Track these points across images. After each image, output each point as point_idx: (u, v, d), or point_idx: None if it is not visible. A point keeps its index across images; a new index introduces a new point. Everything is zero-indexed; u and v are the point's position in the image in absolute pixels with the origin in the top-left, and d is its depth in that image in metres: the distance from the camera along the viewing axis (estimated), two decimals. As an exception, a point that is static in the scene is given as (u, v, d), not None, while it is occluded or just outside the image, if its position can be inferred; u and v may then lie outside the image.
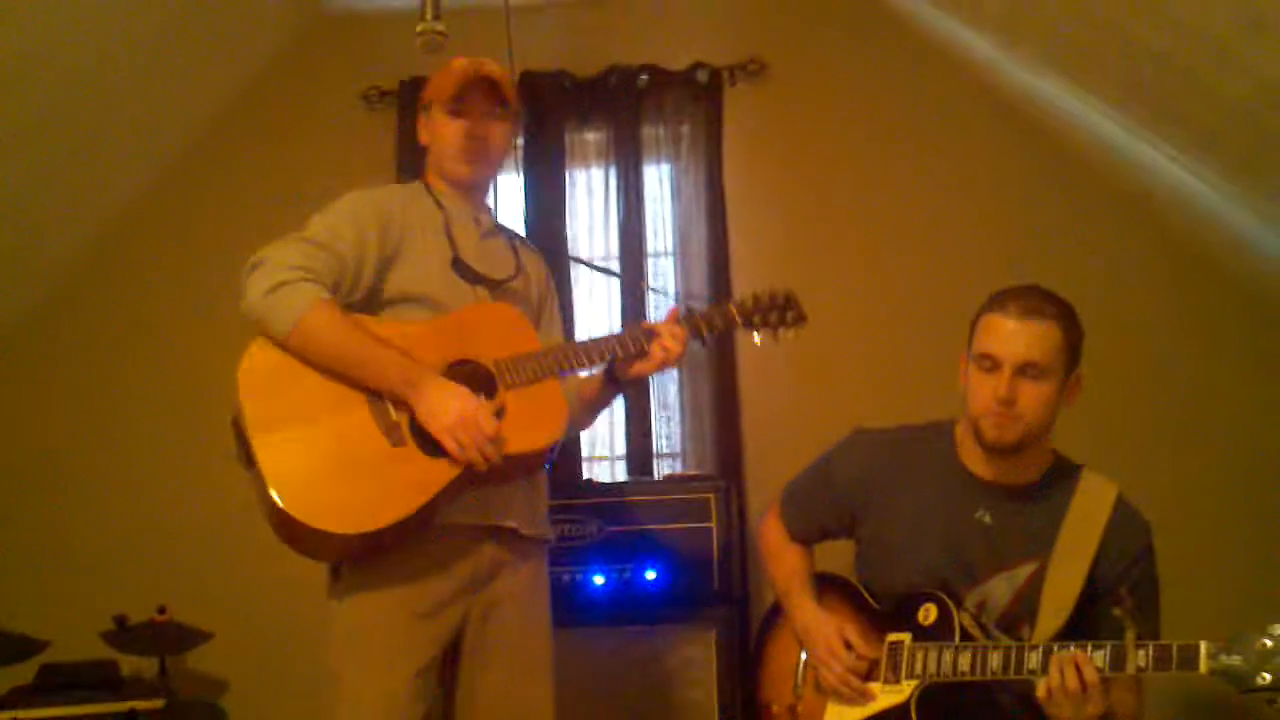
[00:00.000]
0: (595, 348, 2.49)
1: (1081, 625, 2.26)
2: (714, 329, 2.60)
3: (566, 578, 3.35)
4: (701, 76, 4.16)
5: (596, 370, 2.60)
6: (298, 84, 4.27)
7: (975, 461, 2.36)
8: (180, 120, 4.18)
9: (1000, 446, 2.26)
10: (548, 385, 2.40)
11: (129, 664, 3.62)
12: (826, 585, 2.53)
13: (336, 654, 2.33)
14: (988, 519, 2.34)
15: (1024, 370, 2.21)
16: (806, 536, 2.61)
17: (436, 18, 3.25)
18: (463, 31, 3.30)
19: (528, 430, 2.32)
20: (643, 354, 2.50)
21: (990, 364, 2.25)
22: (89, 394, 4.17)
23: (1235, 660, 1.91)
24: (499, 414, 2.29)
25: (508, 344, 2.41)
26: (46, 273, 4.15)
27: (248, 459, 2.18)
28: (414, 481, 2.22)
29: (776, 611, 2.62)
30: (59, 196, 3.88)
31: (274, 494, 2.13)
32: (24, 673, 3.48)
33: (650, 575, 3.34)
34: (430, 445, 2.23)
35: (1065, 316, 2.25)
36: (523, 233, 4.04)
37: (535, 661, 2.48)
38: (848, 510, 2.51)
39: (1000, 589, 2.32)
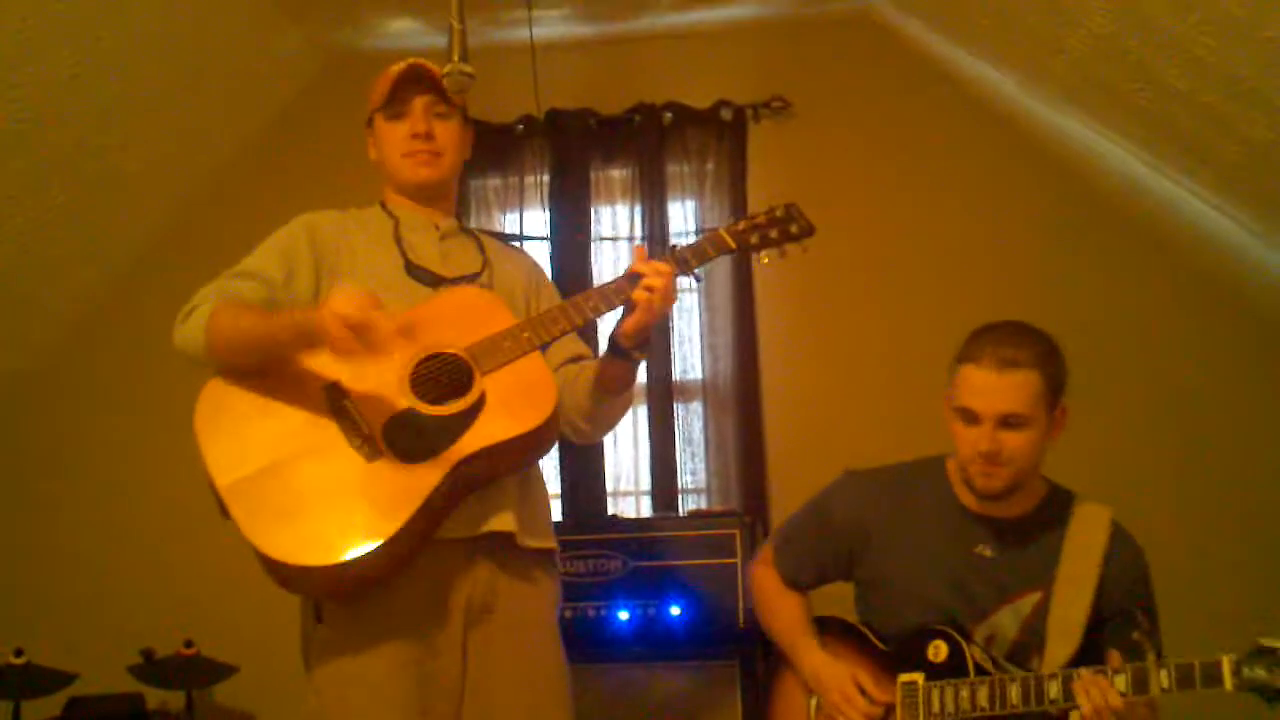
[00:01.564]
0: (575, 308, 2.24)
1: (1091, 652, 2.25)
2: (703, 258, 2.31)
3: (591, 613, 3.36)
4: (725, 114, 4.20)
5: (593, 349, 2.48)
6: (319, 127, 4.29)
7: (970, 497, 2.35)
8: (199, 163, 4.25)
9: (990, 495, 2.28)
10: (530, 361, 2.19)
11: (155, 697, 3.65)
12: (829, 629, 2.48)
13: (324, 698, 2.15)
14: (989, 552, 2.34)
15: (1005, 422, 2.21)
16: (803, 582, 2.55)
17: (464, 59, 3.28)
18: (489, 71, 3.32)
19: (514, 413, 2.13)
20: (629, 303, 2.21)
21: (970, 417, 2.25)
22: (117, 429, 4.22)
23: (1260, 672, 1.91)
24: (478, 403, 2.12)
25: (478, 328, 2.20)
26: (69, 309, 4.21)
27: (223, 510, 2.06)
28: (396, 497, 2.03)
29: (782, 655, 2.56)
30: (79, 237, 3.95)
31: (255, 544, 1.99)
32: (52, 706, 3.51)
33: (675, 611, 3.33)
34: (410, 450, 2.07)
35: (1043, 358, 2.23)
36: (548, 268, 4.09)
37: (549, 695, 2.25)
38: (846, 551, 2.48)
39: (1007, 621, 2.31)
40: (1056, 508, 2.34)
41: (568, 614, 3.30)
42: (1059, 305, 4.01)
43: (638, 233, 4.21)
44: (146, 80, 3.58)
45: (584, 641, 3.33)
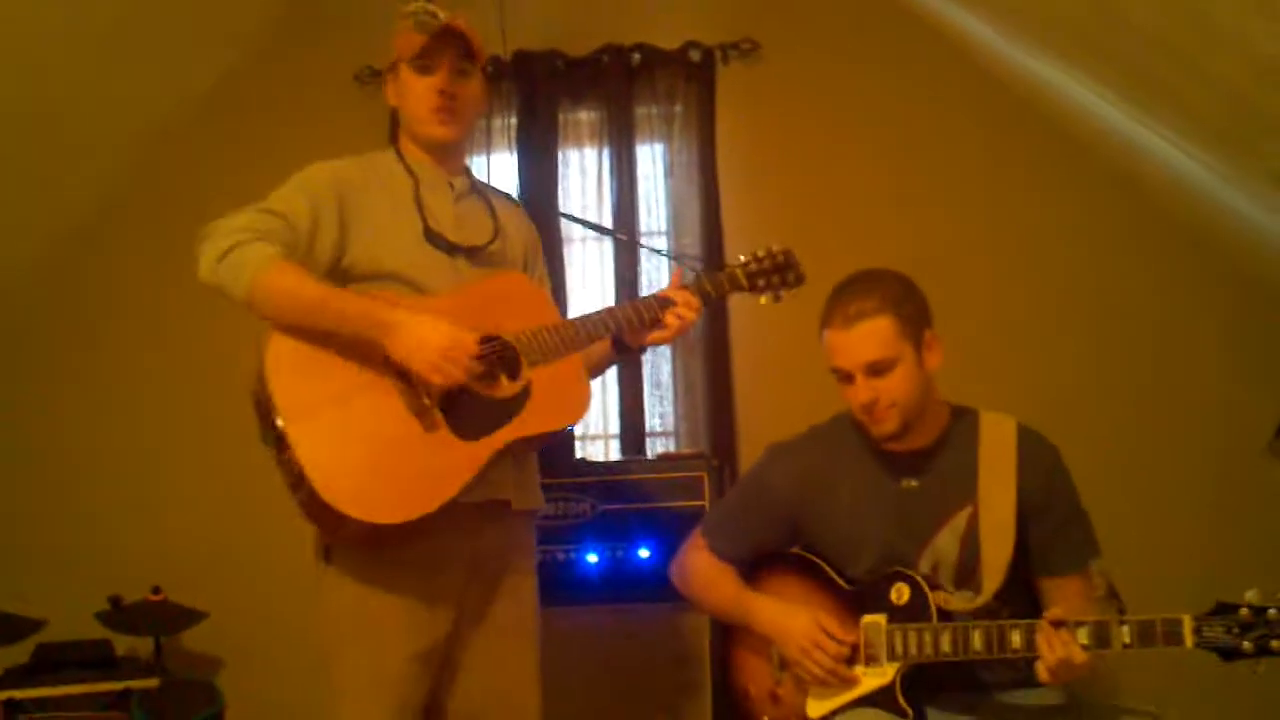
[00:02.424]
0: (612, 317, 2.47)
1: (1025, 553, 2.33)
2: (722, 294, 2.62)
3: (560, 556, 3.37)
4: (694, 55, 4.16)
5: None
6: (289, 65, 4.25)
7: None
8: (172, 100, 4.17)
9: (888, 438, 2.35)
10: (572, 362, 2.39)
11: (124, 644, 3.65)
12: (792, 566, 2.50)
13: (331, 635, 2.32)
14: (914, 483, 2.39)
15: (871, 371, 2.29)
16: (741, 558, 2.56)
17: (431, -1, 3.23)
18: (454, 10, 3.28)
19: (555, 411, 2.34)
20: (657, 323, 2.50)
21: (843, 376, 2.34)
22: (84, 376, 4.18)
23: (1218, 632, 1.95)
24: (525, 392, 2.30)
25: (526, 316, 2.39)
26: (35, 254, 4.14)
27: (278, 443, 2.15)
28: (451, 466, 2.21)
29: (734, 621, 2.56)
30: (41, 181, 3.87)
31: (319, 490, 2.11)
32: (19, 653, 3.51)
33: (643, 553, 3.35)
34: (465, 427, 2.23)
35: (888, 301, 2.31)
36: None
37: (527, 640, 2.48)
38: (787, 521, 2.50)
39: (947, 542, 2.35)
40: (963, 425, 2.41)
41: (537, 557, 3.34)
42: (1023, 243, 4.07)
43: (607, 176, 4.18)
44: (117, 15, 3.50)
45: (553, 585, 3.31)
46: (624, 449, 4.02)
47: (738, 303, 4.06)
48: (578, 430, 4.05)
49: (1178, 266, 3.99)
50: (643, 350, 2.60)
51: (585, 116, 4.28)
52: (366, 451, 2.17)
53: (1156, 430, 3.91)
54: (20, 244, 4.04)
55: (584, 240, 4.22)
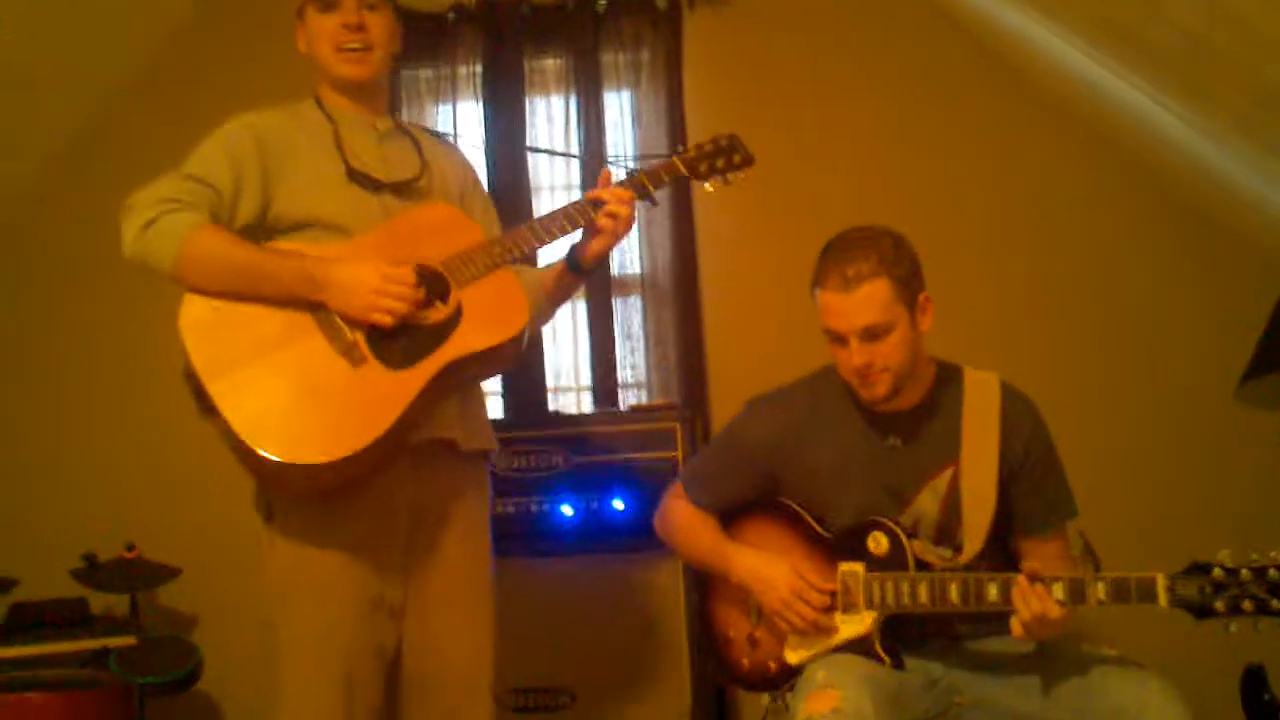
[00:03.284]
0: (541, 227, 2.40)
1: (1006, 513, 2.35)
2: (659, 184, 2.50)
3: (534, 508, 3.39)
4: (660, 2, 4.11)
5: (554, 254, 2.54)
6: (238, 15, 4.17)
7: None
8: (120, 53, 4.08)
9: (878, 401, 2.34)
10: (502, 276, 2.32)
11: (99, 601, 3.64)
12: (770, 512, 2.50)
13: (274, 595, 2.29)
14: (899, 442, 2.39)
15: (867, 334, 2.26)
16: (720, 509, 2.57)
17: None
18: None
19: (490, 325, 2.26)
20: (591, 227, 2.40)
21: (836, 338, 2.31)
22: (50, 333, 4.13)
23: (1191, 591, 1.98)
24: (457, 314, 2.24)
25: (452, 242, 2.32)
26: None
27: (209, 409, 2.12)
28: (383, 398, 2.15)
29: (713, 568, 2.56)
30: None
31: (245, 439, 2.08)
32: (-6, 613, 3.50)
33: (618, 505, 3.37)
34: (394, 356, 2.18)
35: (884, 262, 2.27)
36: (482, 160, 4.04)
37: (481, 588, 2.45)
38: (765, 474, 2.50)
39: (927, 501, 2.37)
40: (949, 384, 2.41)
41: (511, 510, 3.37)
42: (998, 199, 4.07)
43: (574, 124, 4.15)
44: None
45: (528, 537, 3.37)
46: (596, 401, 4.02)
47: (707, 248, 4.08)
48: (549, 382, 4.05)
49: (1146, 210, 4.01)
50: (597, 264, 2.47)
51: (551, 64, 4.23)
52: (293, 396, 2.14)
53: (1124, 375, 3.94)
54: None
55: (552, 190, 4.19)
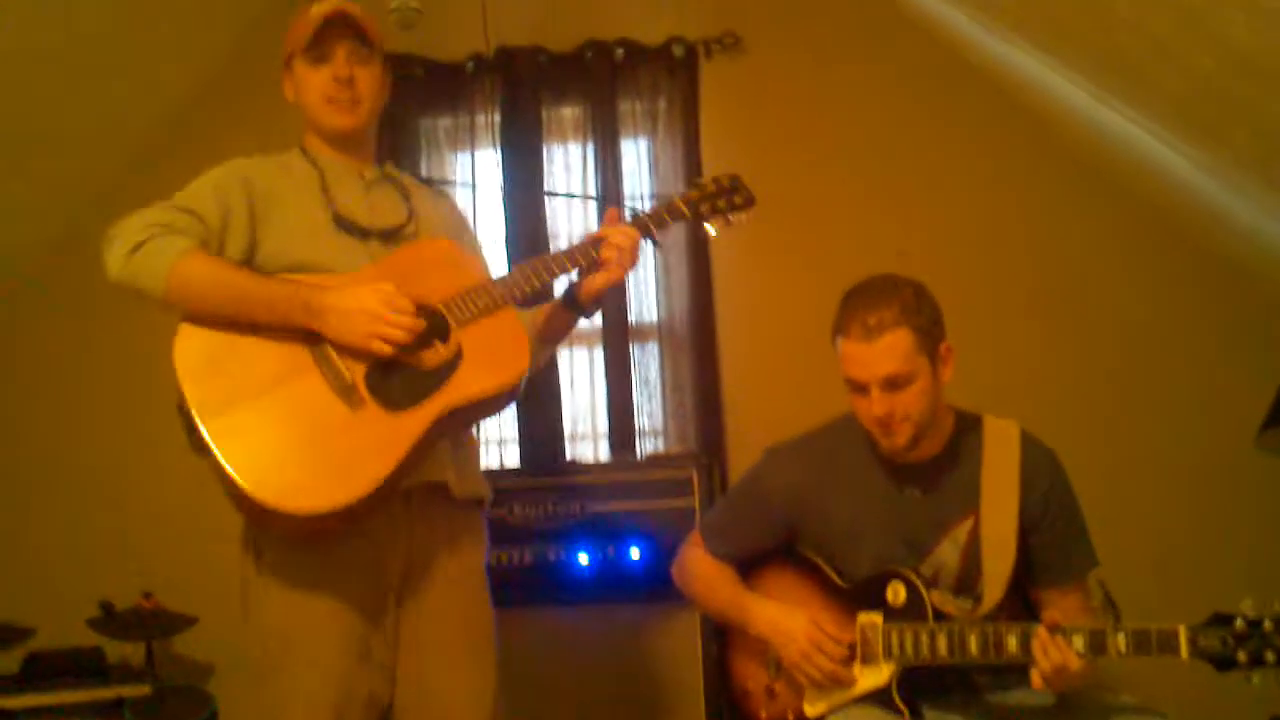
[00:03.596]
0: (545, 266, 2.34)
1: (1026, 562, 2.33)
2: (662, 224, 2.45)
3: (550, 557, 3.39)
4: (677, 51, 4.14)
5: (552, 297, 2.51)
6: (270, 64, 4.21)
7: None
8: (152, 104, 4.13)
9: (898, 451, 2.32)
10: (504, 316, 2.28)
11: (115, 650, 3.63)
12: (789, 561, 2.49)
13: (265, 648, 2.22)
14: (918, 493, 2.37)
15: (888, 384, 2.25)
16: (737, 561, 2.55)
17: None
18: (437, 6, 3.26)
19: (490, 368, 2.21)
20: (594, 264, 2.36)
21: (857, 387, 2.29)
22: (70, 381, 4.15)
23: (1214, 642, 1.96)
24: (456, 356, 2.19)
25: (453, 279, 2.28)
26: (20, 256, 4.10)
27: (200, 446, 2.07)
28: (381, 444, 2.09)
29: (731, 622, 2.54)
30: (31, 178, 3.83)
31: (238, 481, 2.02)
32: (10, 661, 3.49)
33: (634, 554, 3.36)
34: (392, 400, 2.13)
35: (907, 312, 2.25)
36: (500, 208, 4.06)
37: (480, 641, 2.37)
38: (784, 525, 2.48)
39: (948, 553, 2.35)
40: (968, 433, 2.39)
41: (527, 559, 3.36)
42: (1009, 235, 4.06)
43: (591, 172, 4.17)
44: (93, 22, 3.47)
45: (544, 586, 3.37)
46: (613, 449, 4.01)
47: (725, 296, 4.08)
48: (566, 430, 4.04)
49: (1163, 258, 4.00)
50: (596, 304, 2.43)
51: (569, 112, 4.26)
52: (288, 440, 2.08)
53: (1144, 423, 3.92)
54: (5, 246, 4.02)
55: (570, 238, 4.20)
